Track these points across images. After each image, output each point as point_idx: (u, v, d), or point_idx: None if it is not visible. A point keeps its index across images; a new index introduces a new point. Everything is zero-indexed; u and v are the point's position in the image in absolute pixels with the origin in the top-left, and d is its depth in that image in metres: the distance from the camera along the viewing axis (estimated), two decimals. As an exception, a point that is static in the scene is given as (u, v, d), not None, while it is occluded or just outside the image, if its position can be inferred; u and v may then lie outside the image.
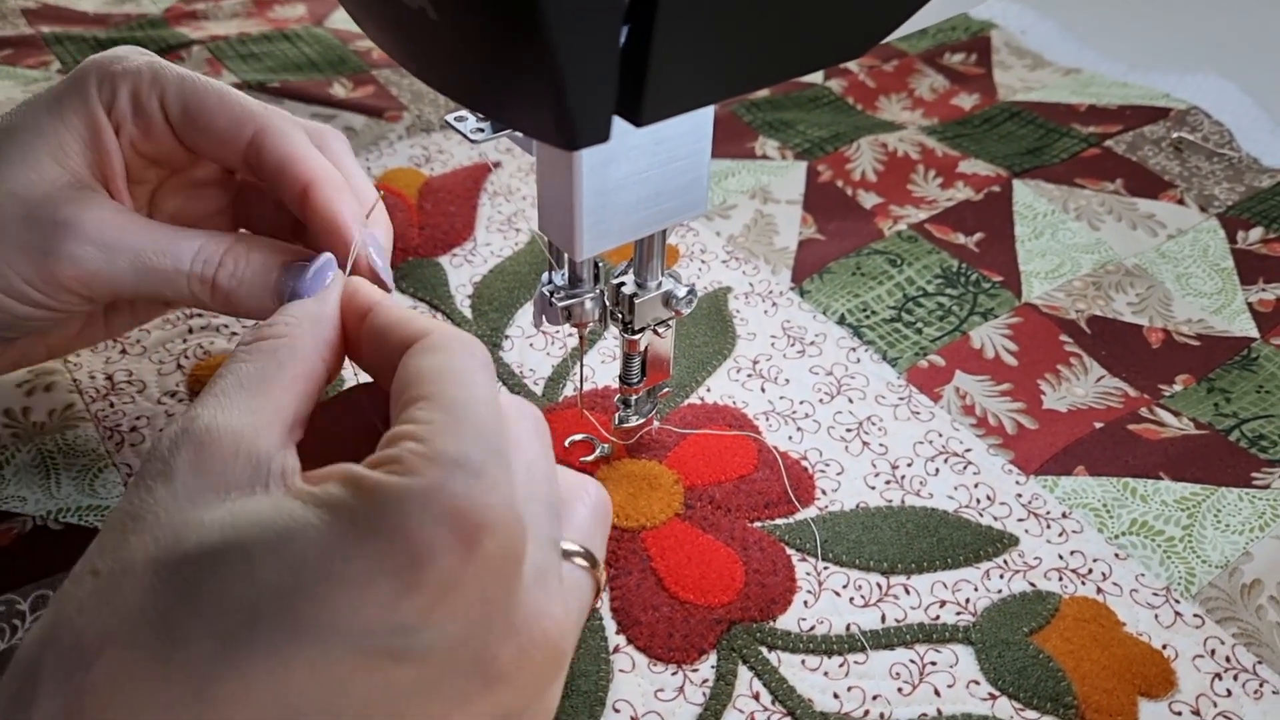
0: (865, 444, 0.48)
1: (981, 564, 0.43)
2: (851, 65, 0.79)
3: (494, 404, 0.30)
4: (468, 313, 0.54)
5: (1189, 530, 0.45)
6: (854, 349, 0.53)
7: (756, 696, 0.38)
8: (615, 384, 0.50)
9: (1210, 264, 0.60)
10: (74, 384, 0.48)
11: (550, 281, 0.41)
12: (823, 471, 0.47)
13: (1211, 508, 0.45)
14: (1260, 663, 0.40)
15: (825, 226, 0.62)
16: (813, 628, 0.41)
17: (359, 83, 0.72)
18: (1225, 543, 0.44)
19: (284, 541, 0.26)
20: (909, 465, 0.47)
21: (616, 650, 0.39)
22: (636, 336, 0.42)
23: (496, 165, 0.65)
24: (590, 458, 0.46)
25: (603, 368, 0.51)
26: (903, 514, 0.45)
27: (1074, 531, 0.45)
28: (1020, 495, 0.46)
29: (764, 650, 0.40)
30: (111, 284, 0.39)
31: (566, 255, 0.40)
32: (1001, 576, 0.43)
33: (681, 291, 0.41)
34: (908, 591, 0.42)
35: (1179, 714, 0.39)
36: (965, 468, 0.47)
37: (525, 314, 0.54)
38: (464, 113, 0.39)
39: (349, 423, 0.37)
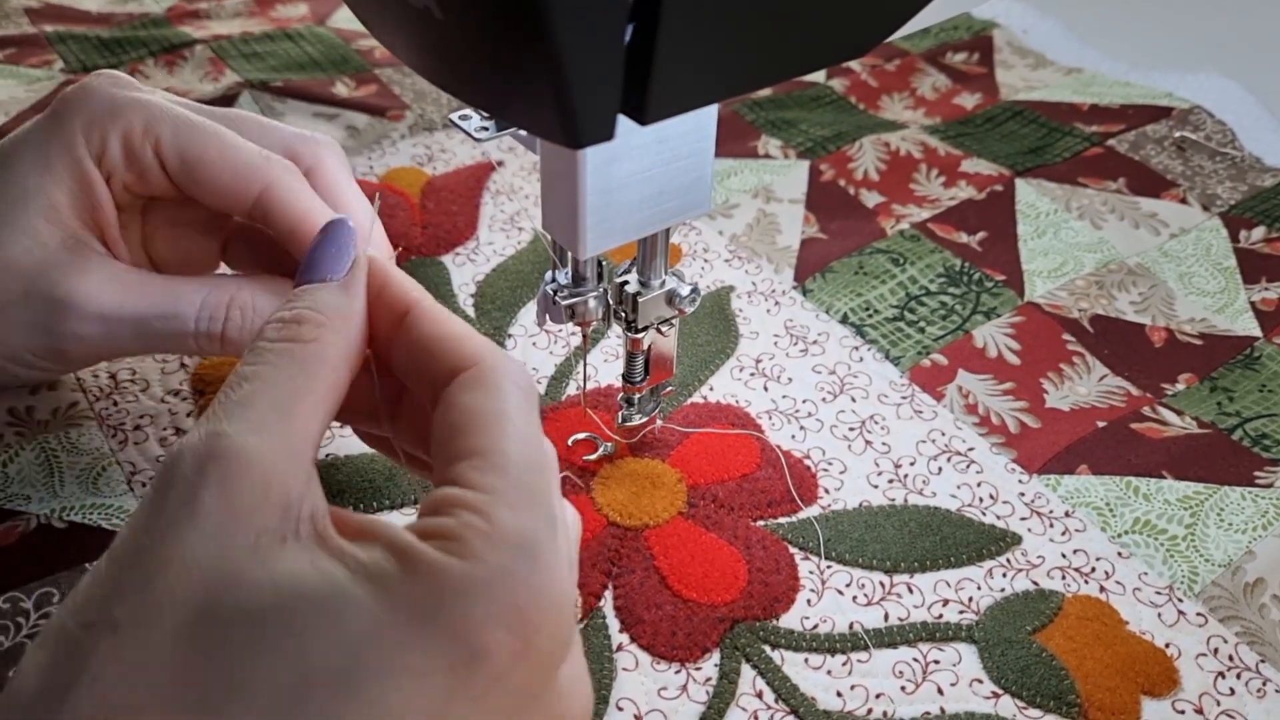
0: (868, 443, 0.48)
1: (984, 563, 0.43)
2: (854, 64, 0.79)
3: (545, 453, 0.28)
4: (470, 312, 0.54)
5: (1192, 529, 0.45)
6: (857, 348, 0.53)
7: (760, 695, 0.38)
8: (618, 383, 0.50)
9: (1213, 263, 0.60)
10: (77, 383, 0.48)
11: (554, 280, 0.41)
12: (825, 470, 0.47)
13: (1214, 507, 0.46)
14: (1263, 661, 0.40)
15: (828, 225, 0.62)
16: (816, 626, 0.41)
17: (361, 82, 0.72)
18: (1228, 542, 0.44)
19: (334, 619, 0.24)
20: (912, 464, 0.47)
21: (620, 649, 0.40)
22: (640, 335, 0.42)
23: (499, 164, 0.65)
24: (593, 456, 0.46)
25: (605, 366, 0.51)
26: (905, 513, 0.45)
27: (1077, 530, 0.45)
28: (1023, 494, 0.46)
29: (767, 649, 0.40)
30: (115, 351, 0.40)
31: (570, 254, 0.40)
32: (1004, 575, 0.43)
33: (685, 290, 0.41)
34: (911, 590, 0.42)
35: (1182, 713, 0.39)
36: (968, 467, 0.47)
37: (528, 313, 0.54)
38: (468, 111, 0.39)
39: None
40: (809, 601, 0.42)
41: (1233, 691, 0.39)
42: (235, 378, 0.28)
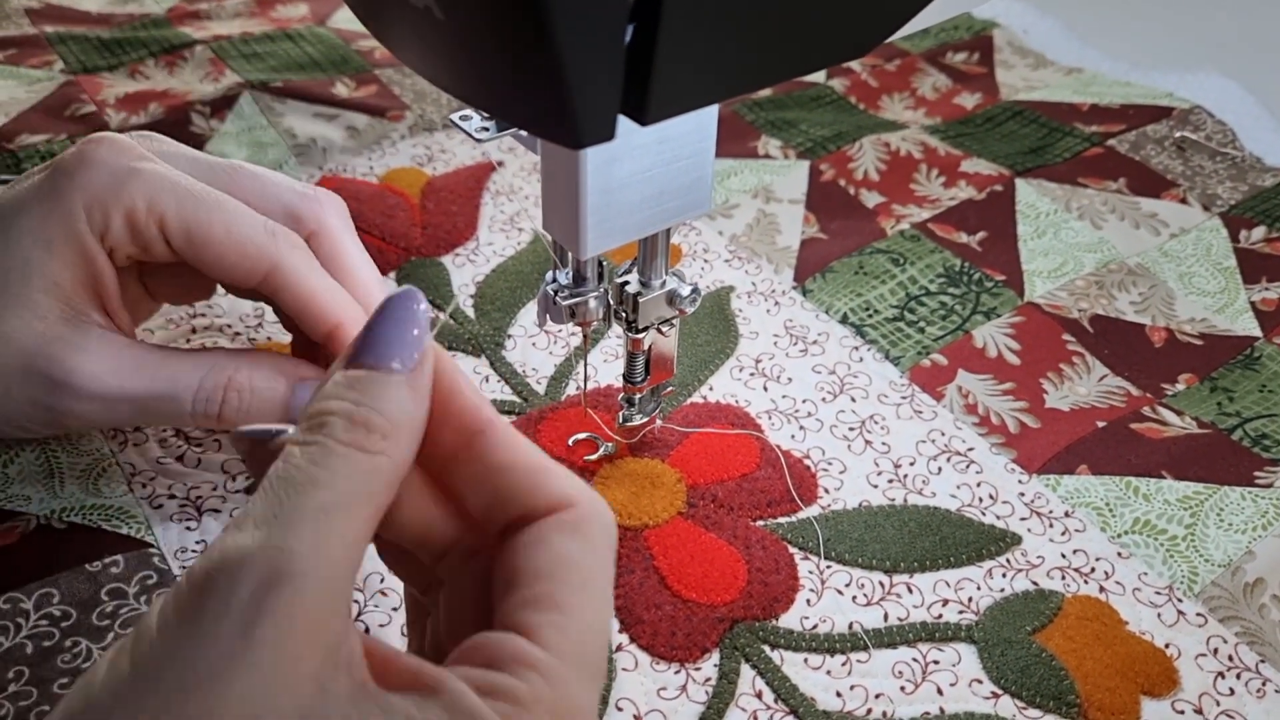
0: (868, 443, 0.48)
1: (984, 563, 0.43)
2: (854, 64, 0.79)
3: (611, 613, 0.28)
4: (470, 312, 0.54)
5: (1191, 529, 0.45)
6: (856, 348, 0.53)
7: (759, 695, 0.38)
8: (618, 383, 0.50)
9: (1213, 263, 0.60)
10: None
11: (554, 280, 0.41)
12: (825, 470, 0.47)
13: (1214, 507, 0.45)
14: (1263, 661, 0.40)
15: (828, 226, 0.62)
16: (815, 626, 0.41)
17: (361, 82, 0.72)
18: (1228, 542, 0.44)
19: None
20: (911, 464, 0.47)
21: (619, 649, 0.40)
22: (640, 335, 0.42)
23: (499, 164, 0.65)
24: (594, 456, 0.46)
25: (605, 367, 0.51)
26: (905, 513, 0.45)
27: (1076, 530, 0.45)
28: (1023, 494, 0.46)
29: (767, 649, 0.40)
30: (113, 424, 0.40)
31: (571, 254, 0.40)
32: (1004, 575, 0.43)
33: (685, 290, 0.41)
34: (910, 590, 0.42)
35: (1181, 713, 0.39)
36: (968, 467, 0.47)
37: (528, 313, 0.54)
38: (469, 111, 0.39)
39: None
40: (808, 601, 0.42)
41: (1232, 692, 0.39)
42: (293, 470, 0.25)
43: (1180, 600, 0.42)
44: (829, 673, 0.39)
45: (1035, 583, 0.43)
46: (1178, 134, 0.71)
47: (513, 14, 0.24)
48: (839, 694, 0.39)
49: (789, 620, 0.41)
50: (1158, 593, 0.42)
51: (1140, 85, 0.77)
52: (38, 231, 0.39)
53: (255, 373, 0.40)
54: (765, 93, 0.74)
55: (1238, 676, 0.40)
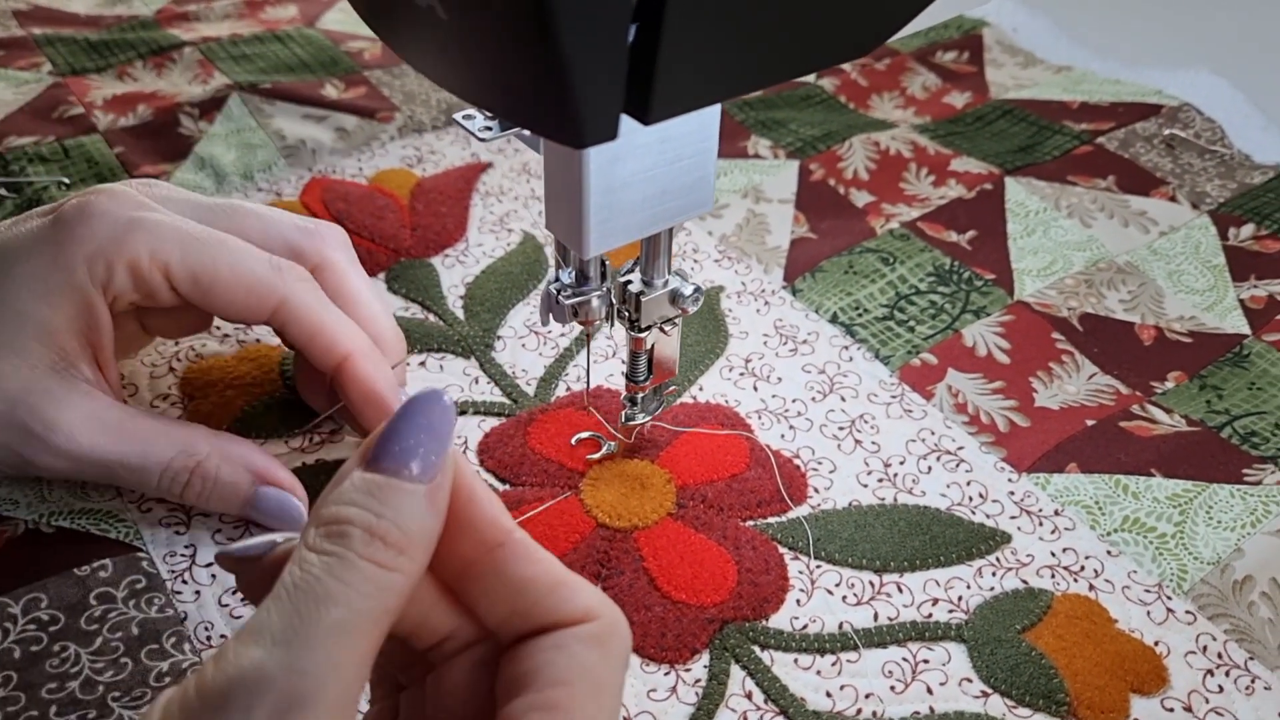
0: (858, 442, 0.48)
1: (974, 562, 0.43)
2: (843, 64, 0.79)
3: None
4: (460, 314, 0.54)
5: (1181, 527, 0.45)
6: (846, 347, 0.53)
7: (749, 696, 0.38)
8: (607, 383, 0.50)
9: (1202, 261, 0.60)
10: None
11: (557, 280, 0.41)
12: (815, 470, 0.47)
13: (1203, 504, 0.46)
14: (1252, 659, 0.40)
15: (817, 225, 0.62)
16: (805, 626, 0.41)
17: (351, 84, 0.72)
18: (1217, 539, 0.44)
19: None
20: (901, 463, 0.47)
21: (609, 650, 0.39)
22: (643, 335, 0.42)
23: (489, 165, 0.65)
24: (596, 455, 0.46)
25: (596, 367, 0.51)
26: (895, 512, 0.45)
27: (1066, 529, 0.45)
28: (1012, 493, 0.46)
29: (757, 649, 0.40)
30: (81, 478, 0.42)
31: (573, 253, 0.40)
32: (994, 574, 0.43)
33: (688, 290, 0.41)
34: (900, 590, 0.42)
35: (1171, 710, 0.39)
36: (958, 465, 0.47)
37: (517, 315, 0.54)
38: (471, 111, 0.39)
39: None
40: (798, 601, 0.41)
41: (1221, 689, 0.39)
42: (312, 582, 0.25)
43: (1169, 598, 0.42)
44: (819, 673, 0.39)
45: (1025, 581, 0.43)
46: (1167, 132, 0.71)
47: (516, 14, 0.24)
48: (829, 694, 0.39)
49: (779, 620, 0.41)
50: (1147, 590, 0.43)
51: (1130, 83, 0.77)
52: (35, 281, 0.39)
53: (224, 464, 0.41)
54: (755, 92, 0.74)
55: (1227, 674, 0.40)
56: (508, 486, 0.45)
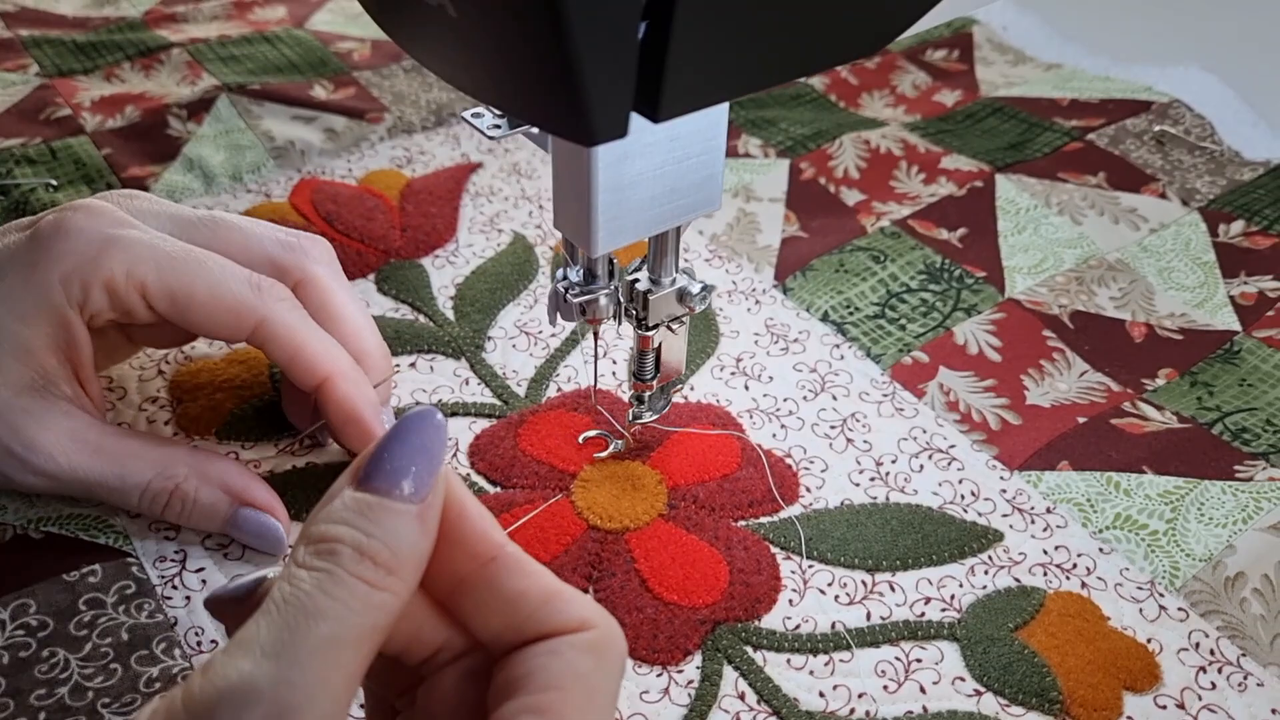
0: (849, 441, 0.48)
1: (966, 560, 0.43)
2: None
3: None
4: (450, 315, 0.54)
5: (1173, 524, 0.45)
6: (837, 346, 0.53)
7: (742, 696, 0.38)
8: (601, 383, 0.50)
9: (1192, 257, 0.60)
10: (54, 391, 0.48)
11: (565, 278, 0.41)
12: (807, 469, 0.47)
13: (1195, 501, 0.46)
14: (1244, 655, 0.40)
15: (808, 224, 0.62)
16: (798, 626, 0.41)
17: (340, 84, 0.72)
18: (1209, 536, 0.44)
19: None
20: (893, 462, 0.47)
21: (601, 652, 0.39)
22: (650, 333, 0.42)
23: (479, 166, 0.65)
24: (604, 454, 0.46)
25: (586, 369, 0.51)
26: (887, 511, 0.45)
27: (1058, 526, 0.45)
28: (1004, 491, 0.46)
29: (749, 650, 0.40)
30: (63, 494, 0.41)
31: (581, 251, 0.40)
32: (986, 572, 0.43)
33: (695, 288, 0.42)
34: (893, 589, 0.42)
35: (1164, 708, 0.39)
36: (949, 464, 0.47)
37: (508, 315, 0.54)
38: (480, 109, 0.40)
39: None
40: (791, 601, 0.41)
41: (1214, 686, 0.39)
42: (301, 596, 0.25)
43: (1162, 595, 0.42)
44: (812, 673, 0.39)
45: (1017, 579, 0.43)
46: (1157, 128, 0.71)
47: (527, 12, 0.24)
48: (822, 694, 0.38)
49: (771, 621, 0.41)
50: (1139, 588, 0.43)
51: (1120, 80, 0.77)
52: (12, 300, 0.39)
53: (202, 486, 0.41)
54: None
55: (1219, 670, 0.40)
56: (499, 489, 0.45)
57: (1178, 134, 0.70)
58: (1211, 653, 0.40)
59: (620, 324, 0.43)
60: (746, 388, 0.51)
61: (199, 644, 0.39)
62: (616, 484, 0.45)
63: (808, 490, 0.46)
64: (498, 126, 0.39)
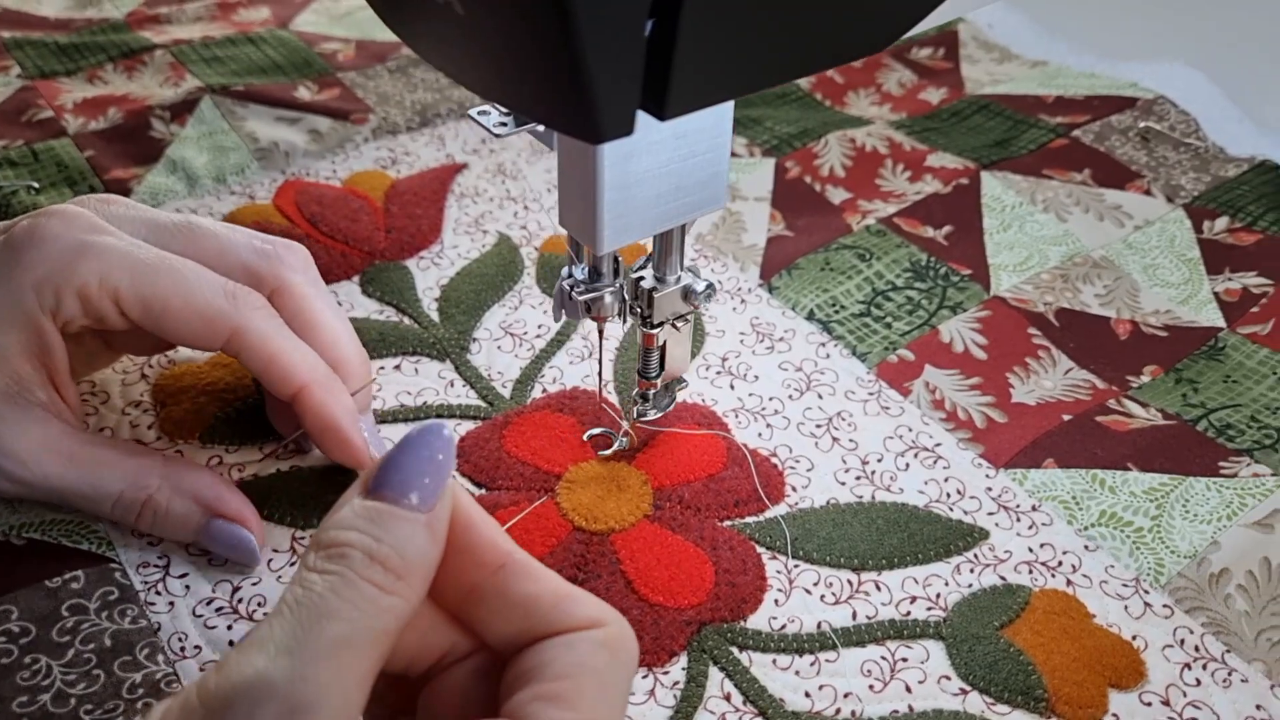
0: (835, 440, 0.48)
1: (952, 558, 0.43)
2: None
3: None
4: (435, 316, 0.54)
5: (1158, 521, 0.45)
6: (823, 344, 0.53)
7: (728, 697, 0.38)
8: (584, 384, 0.50)
9: (1177, 254, 0.60)
10: (36, 395, 0.47)
11: (570, 276, 0.41)
12: (793, 468, 0.47)
13: (1180, 498, 0.46)
14: (1229, 651, 0.40)
15: (794, 223, 0.62)
16: (783, 626, 0.41)
17: (324, 85, 0.71)
18: (1193, 532, 0.44)
19: None
20: (879, 460, 0.47)
21: (587, 654, 0.39)
22: (655, 331, 0.42)
23: (464, 167, 0.65)
24: (608, 451, 0.46)
25: (571, 369, 0.51)
26: (873, 510, 0.45)
27: (1044, 524, 0.45)
28: (990, 489, 0.46)
29: (735, 650, 0.40)
30: (37, 499, 0.41)
31: (586, 249, 0.40)
32: (972, 571, 0.43)
33: (700, 286, 0.42)
34: (878, 588, 0.42)
35: (1149, 704, 0.39)
36: (935, 462, 0.47)
37: (493, 317, 0.54)
38: (486, 107, 0.40)
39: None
40: (776, 601, 0.41)
41: (1199, 682, 0.39)
42: (314, 598, 0.25)
43: (1147, 592, 0.42)
44: (797, 673, 0.39)
45: (1003, 577, 0.43)
46: (1142, 124, 0.71)
47: (533, 9, 0.24)
48: (807, 694, 0.38)
49: (757, 621, 0.41)
50: (1124, 585, 0.43)
51: (1105, 76, 0.77)
52: None
53: (174, 498, 0.40)
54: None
55: (1204, 667, 0.40)
56: (484, 490, 0.45)
57: (1163, 130, 0.70)
58: (1196, 649, 0.40)
59: (625, 322, 0.43)
60: (732, 387, 0.51)
61: (182, 649, 0.39)
62: (602, 485, 0.45)
63: (793, 490, 0.46)
64: (504, 124, 0.39)
